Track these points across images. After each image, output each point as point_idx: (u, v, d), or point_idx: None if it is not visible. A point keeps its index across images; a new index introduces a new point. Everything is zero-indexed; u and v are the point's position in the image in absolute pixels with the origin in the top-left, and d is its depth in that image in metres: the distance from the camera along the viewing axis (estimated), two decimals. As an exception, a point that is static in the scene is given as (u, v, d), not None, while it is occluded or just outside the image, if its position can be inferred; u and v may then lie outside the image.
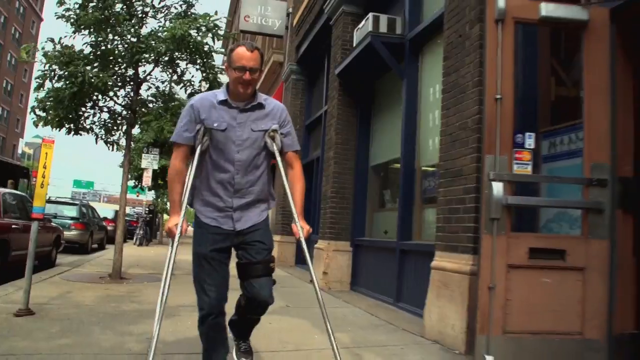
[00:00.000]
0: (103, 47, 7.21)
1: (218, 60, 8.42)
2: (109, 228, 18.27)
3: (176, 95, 8.25)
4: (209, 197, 2.69)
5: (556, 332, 3.24)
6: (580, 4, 3.50)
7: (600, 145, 3.31)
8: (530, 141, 3.31)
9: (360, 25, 6.98)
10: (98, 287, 6.57)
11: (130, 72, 7.60)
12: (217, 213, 2.69)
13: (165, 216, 31.20)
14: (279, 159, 2.76)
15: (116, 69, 7.46)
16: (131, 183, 18.18)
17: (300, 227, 2.68)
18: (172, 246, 2.58)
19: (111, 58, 7.29)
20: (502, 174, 3.18)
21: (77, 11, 6.89)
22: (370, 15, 6.60)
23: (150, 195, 23.21)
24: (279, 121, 2.75)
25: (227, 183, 2.67)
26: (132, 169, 16.56)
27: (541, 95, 4.29)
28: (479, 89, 4.00)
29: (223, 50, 8.36)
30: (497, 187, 3.14)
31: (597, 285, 3.24)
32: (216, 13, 7.40)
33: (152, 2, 7.54)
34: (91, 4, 6.91)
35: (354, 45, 7.19)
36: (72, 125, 7.47)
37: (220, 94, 2.71)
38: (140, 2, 7.42)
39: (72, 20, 6.93)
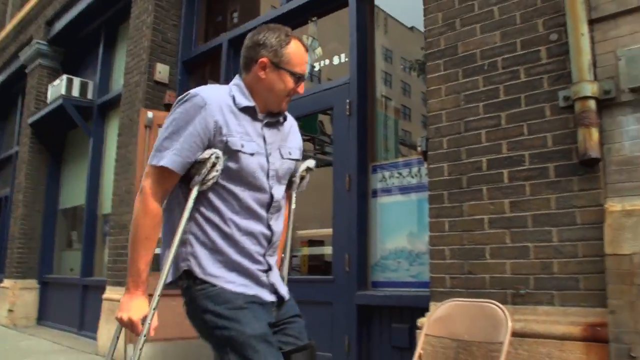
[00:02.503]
0: None
1: None
2: None
3: None
4: (234, 256, 1.70)
5: (181, 338, 4.78)
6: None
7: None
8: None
9: (55, 83, 7.63)
10: None
11: None
12: (247, 280, 1.72)
13: None
14: (293, 205, 2.02)
15: None
16: None
17: None
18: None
19: None
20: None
21: None
22: (64, 77, 7.38)
23: None
24: (299, 144, 1.94)
25: (260, 235, 1.74)
26: None
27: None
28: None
29: None
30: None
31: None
32: None
33: None
34: None
35: (48, 100, 7.82)
36: None
37: (239, 94, 1.75)
38: None
39: None
